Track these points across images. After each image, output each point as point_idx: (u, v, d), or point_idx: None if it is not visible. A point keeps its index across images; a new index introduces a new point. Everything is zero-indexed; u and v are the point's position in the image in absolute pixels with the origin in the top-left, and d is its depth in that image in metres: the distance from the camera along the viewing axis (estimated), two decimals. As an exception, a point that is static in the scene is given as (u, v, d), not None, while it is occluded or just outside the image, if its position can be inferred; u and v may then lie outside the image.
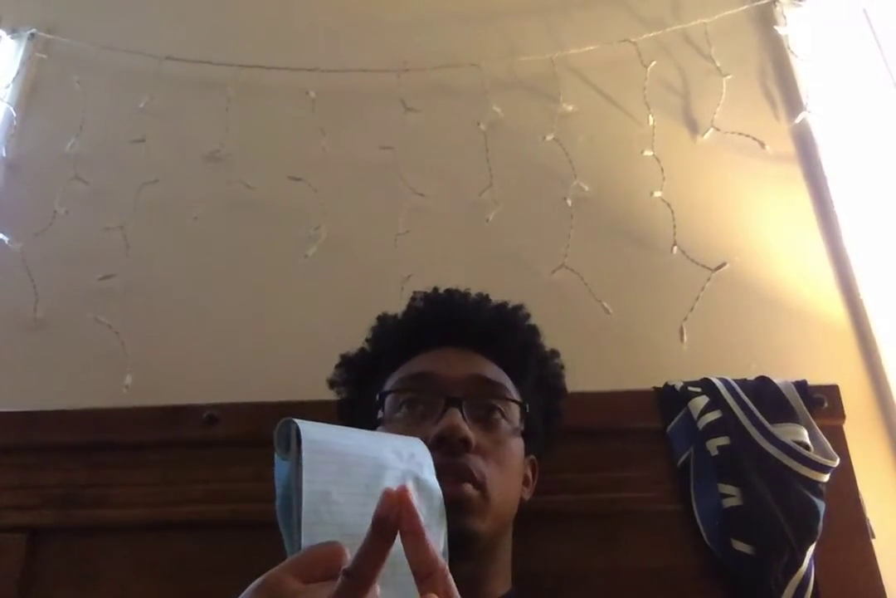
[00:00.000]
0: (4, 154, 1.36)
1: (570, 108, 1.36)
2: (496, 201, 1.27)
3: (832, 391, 1.00)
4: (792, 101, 1.36)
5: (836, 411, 0.99)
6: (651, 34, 1.39)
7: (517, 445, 0.78)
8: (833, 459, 0.92)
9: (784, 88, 1.38)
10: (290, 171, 1.28)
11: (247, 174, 1.31)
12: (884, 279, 1.18)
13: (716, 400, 0.98)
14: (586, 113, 1.37)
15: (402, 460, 0.50)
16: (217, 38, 1.47)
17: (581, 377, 0.93)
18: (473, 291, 0.90)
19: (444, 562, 0.40)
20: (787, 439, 0.92)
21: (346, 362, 0.89)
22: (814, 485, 0.90)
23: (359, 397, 0.86)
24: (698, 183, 1.29)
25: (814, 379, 1.00)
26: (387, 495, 0.40)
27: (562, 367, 0.90)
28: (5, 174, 1.36)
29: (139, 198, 1.28)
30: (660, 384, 1.03)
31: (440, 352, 0.82)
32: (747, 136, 1.32)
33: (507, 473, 0.75)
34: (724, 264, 1.19)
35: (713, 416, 0.96)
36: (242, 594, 0.42)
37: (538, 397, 0.84)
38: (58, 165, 1.33)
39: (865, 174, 1.27)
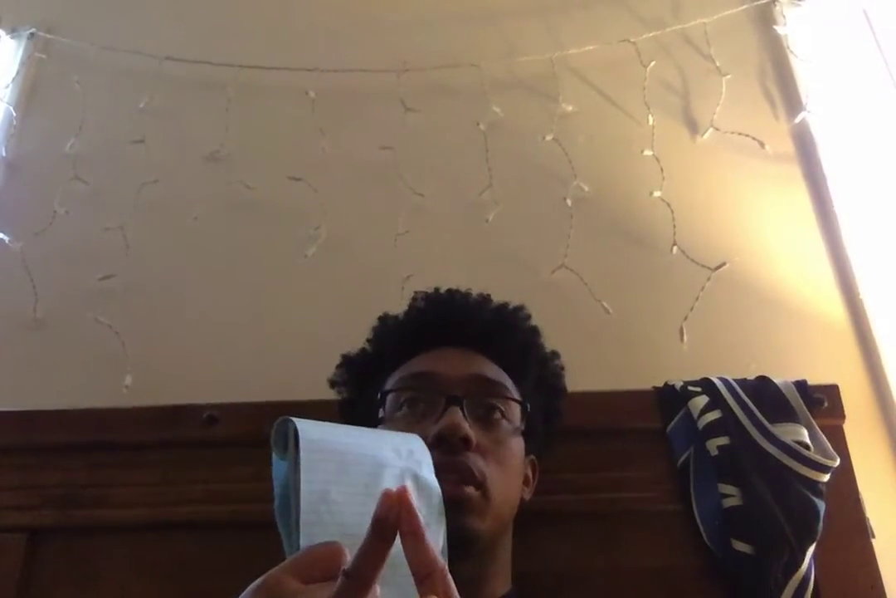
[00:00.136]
0: (4, 154, 1.36)
1: (569, 108, 1.36)
2: (496, 201, 1.27)
3: (832, 391, 1.00)
4: (791, 101, 1.36)
5: (836, 411, 0.99)
6: (651, 34, 1.39)
7: (517, 444, 0.78)
8: (833, 459, 0.92)
9: (784, 88, 1.38)
10: (290, 171, 1.28)
11: (247, 174, 1.31)
12: (884, 279, 1.18)
13: (716, 400, 0.98)
14: (586, 113, 1.37)
15: (402, 458, 0.50)
16: (217, 38, 1.47)
17: (581, 377, 0.93)
18: (474, 292, 0.90)
19: (443, 563, 0.40)
20: (787, 439, 0.92)
21: (347, 362, 0.90)
22: (814, 485, 0.90)
23: (360, 396, 0.86)
24: (698, 183, 1.29)
25: (814, 379, 1.00)
26: (386, 495, 0.40)
27: (562, 368, 0.91)
28: (5, 174, 1.36)
29: (139, 198, 1.28)
30: (660, 384, 1.03)
31: (441, 352, 0.82)
32: (747, 136, 1.32)
33: (507, 472, 0.75)
34: (724, 264, 1.19)
35: (713, 416, 0.96)
36: (242, 595, 0.42)
37: (538, 398, 0.85)
38: (58, 165, 1.33)
39: (865, 174, 1.27)
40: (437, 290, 0.90)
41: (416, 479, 0.50)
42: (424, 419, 0.75)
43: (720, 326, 1.17)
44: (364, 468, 0.47)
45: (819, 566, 0.88)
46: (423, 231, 1.25)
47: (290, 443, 0.46)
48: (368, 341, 0.90)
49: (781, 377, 1.00)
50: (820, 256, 1.23)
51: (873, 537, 0.93)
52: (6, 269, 1.24)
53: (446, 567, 0.40)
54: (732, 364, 1.08)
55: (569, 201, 1.27)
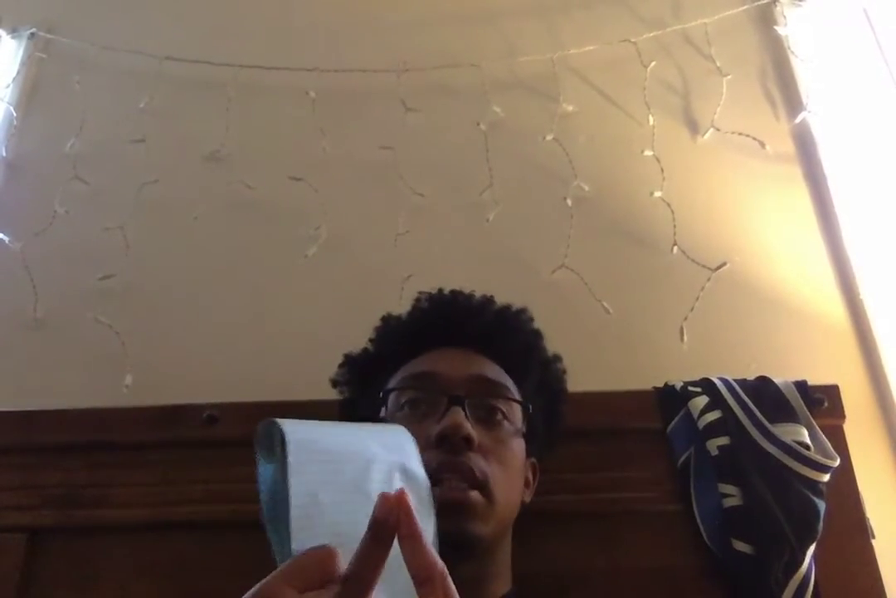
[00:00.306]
0: (4, 154, 1.36)
1: (570, 108, 1.36)
2: (496, 201, 1.27)
3: (832, 391, 1.00)
4: (792, 101, 1.36)
5: (836, 411, 0.99)
6: (651, 34, 1.39)
7: (518, 445, 0.78)
8: (833, 459, 0.92)
9: (784, 88, 1.38)
10: (290, 171, 1.28)
11: (247, 174, 1.31)
12: (884, 279, 1.18)
13: (716, 400, 0.98)
14: (586, 113, 1.37)
15: (389, 452, 0.49)
16: (217, 38, 1.47)
17: (581, 377, 0.93)
18: (477, 293, 0.90)
19: (442, 565, 0.40)
20: (788, 439, 0.92)
21: (350, 362, 0.90)
22: (814, 485, 0.90)
23: (361, 396, 0.86)
24: (698, 183, 1.29)
25: (814, 379, 1.00)
26: (385, 498, 0.40)
27: (564, 371, 0.91)
28: (5, 174, 1.36)
29: (139, 198, 1.28)
30: (660, 384, 1.03)
31: (443, 352, 0.82)
32: (747, 136, 1.32)
33: (508, 472, 0.75)
34: (724, 264, 1.19)
35: (713, 416, 0.96)
36: None
37: (540, 400, 0.85)
38: (58, 165, 1.33)
39: (865, 174, 1.27)
40: (440, 291, 0.90)
41: (405, 472, 0.49)
42: (426, 419, 0.75)
43: (720, 326, 1.17)
44: (353, 466, 0.46)
45: (819, 566, 0.88)
46: (423, 231, 1.25)
47: (277, 445, 0.44)
48: (371, 340, 0.90)
49: (781, 377, 1.00)
50: (820, 256, 1.23)
51: (873, 537, 0.93)
52: (6, 269, 1.24)
53: (446, 570, 0.40)
54: (732, 364, 1.08)
55: (569, 201, 1.27)
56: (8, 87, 1.41)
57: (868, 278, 1.19)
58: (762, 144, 1.32)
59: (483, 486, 0.71)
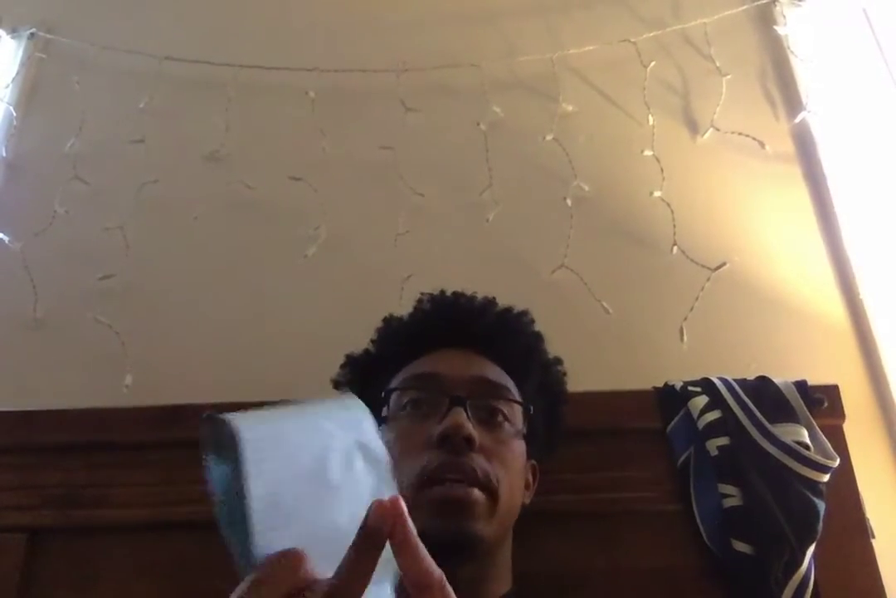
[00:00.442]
0: (4, 154, 1.36)
1: (569, 108, 1.36)
2: (496, 201, 1.27)
3: (832, 391, 1.00)
4: (792, 101, 1.36)
5: (836, 411, 0.99)
6: (651, 34, 1.39)
7: (519, 446, 0.78)
8: (833, 459, 0.92)
9: (784, 88, 1.38)
10: (290, 171, 1.28)
11: (247, 174, 1.31)
12: (884, 279, 1.18)
13: (716, 400, 0.98)
14: (586, 113, 1.37)
15: (347, 430, 0.46)
16: (217, 38, 1.47)
17: (581, 377, 0.93)
18: (479, 295, 0.90)
19: (440, 572, 0.39)
20: (787, 439, 0.92)
21: (352, 362, 0.90)
22: (814, 485, 0.90)
23: (363, 396, 0.86)
24: (698, 183, 1.29)
25: (814, 379, 1.00)
26: (379, 505, 0.38)
27: (564, 374, 0.91)
28: (5, 174, 1.36)
29: (139, 198, 1.28)
30: (660, 384, 1.03)
31: (445, 353, 0.83)
32: (747, 136, 1.32)
33: (510, 473, 0.75)
34: (724, 264, 1.19)
35: (713, 416, 0.96)
36: None
37: (540, 402, 0.85)
38: (58, 165, 1.33)
39: (865, 174, 1.27)
40: (442, 292, 0.91)
41: (365, 450, 0.46)
42: (428, 419, 0.75)
43: (720, 326, 1.17)
44: (310, 455, 0.43)
45: (819, 566, 0.88)
46: (423, 231, 1.25)
47: (228, 446, 0.41)
48: (373, 341, 0.90)
49: (781, 377, 1.00)
50: (820, 256, 1.23)
51: (873, 537, 0.93)
52: (6, 269, 1.24)
53: (444, 576, 0.39)
54: (732, 364, 1.08)
55: (569, 201, 1.27)
56: (8, 87, 1.41)
57: (868, 278, 1.19)
58: (762, 144, 1.32)
59: (485, 485, 0.71)
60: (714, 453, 0.94)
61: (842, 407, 1.00)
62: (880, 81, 1.35)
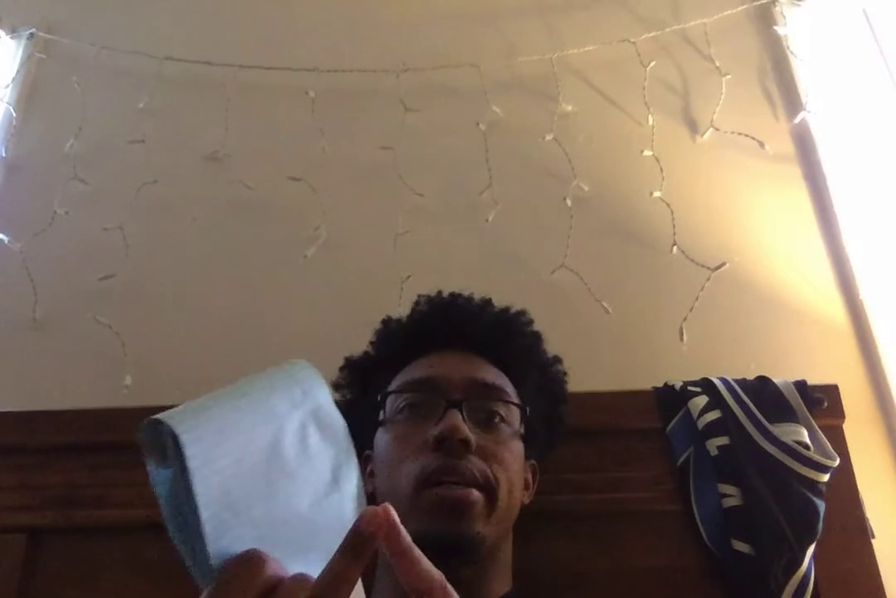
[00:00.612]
0: (4, 154, 1.36)
1: (569, 108, 1.36)
2: (496, 201, 1.27)
3: (832, 391, 1.00)
4: (791, 101, 1.36)
5: (836, 411, 0.99)
6: (651, 34, 1.39)
7: (517, 447, 0.78)
8: (833, 459, 0.92)
9: (783, 88, 1.38)
10: (289, 171, 1.28)
11: (247, 174, 1.31)
12: (884, 279, 1.18)
13: (715, 400, 0.98)
14: (586, 113, 1.37)
15: (297, 405, 0.44)
16: (217, 38, 1.47)
17: (581, 377, 0.93)
18: (477, 295, 0.90)
19: (440, 574, 0.38)
20: (787, 439, 0.92)
21: (350, 365, 0.90)
22: (814, 485, 0.90)
23: (362, 398, 0.86)
24: (698, 183, 1.29)
25: (813, 379, 1.00)
26: (371, 514, 0.37)
27: (564, 373, 0.91)
28: (5, 174, 1.36)
29: (139, 198, 1.28)
30: (659, 384, 1.03)
31: (442, 355, 0.83)
32: (747, 136, 1.32)
33: (508, 474, 0.75)
34: (723, 264, 1.19)
35: (713, 416, 0.96)
36: None
37: (539, 403, 0.85)
38: (58, 165, 1.33)
39: (865, 174, 1.27)
40: (439, 293, 0.90)
41: (318, 421, 0.44)
42: (425, 422, 0.75)
43: (720, 326, 1.17)
44: (260, 442, 0.40)
45: (819, 566, 0.88)
46: (423, 231, 1.25)
47: (170, 448, 0.38)
48: (371, 343, 0.90)
49: (781, 377, 1.00)
50: (820, 256, 1.23)
51: (873, 537, 0.93)
52: (6, 269, 1.24)
53: (444, 578, 0.38)
54: (732, 364, 1.08)
55: (569, 201, 1.26)
56: (8, 87, 1.40)
57: (868, 278, 1.19)
58: (762, 144, 1.32)
59: (483, 486, 0.71)
60: (714, 453, 0.94)
61: (841, 407, 1.00)
62: (880, 81, 1.35)
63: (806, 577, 0.86)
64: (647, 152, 1.30)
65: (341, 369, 0.90)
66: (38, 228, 1.26)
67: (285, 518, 0.39)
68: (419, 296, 0.91)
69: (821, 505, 0.89)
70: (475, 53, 1.39)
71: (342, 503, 0.44)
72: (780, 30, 1.40)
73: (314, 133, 1.32)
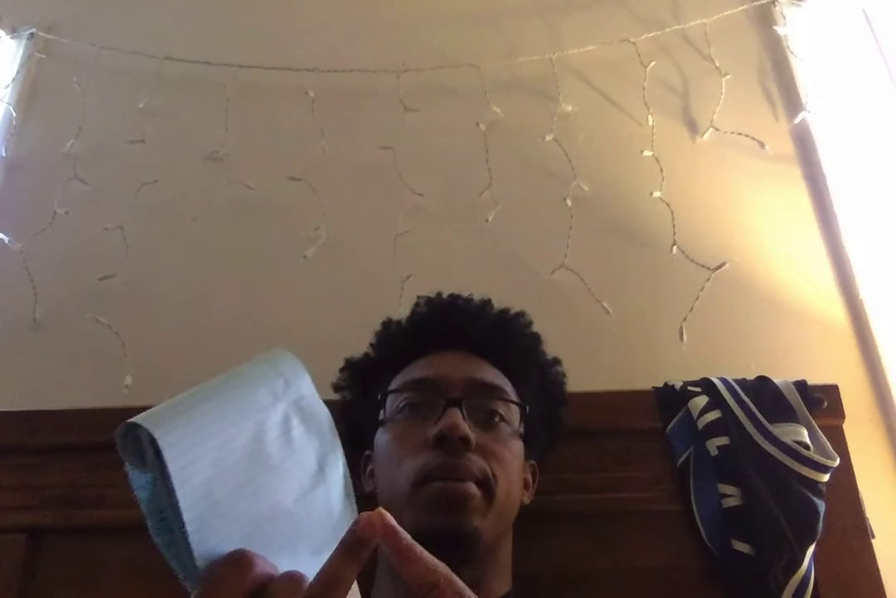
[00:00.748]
0: (4, 154, 1.36)
1: (569, 108, 1.36)
2: (496, 201, 1.27)
3: (832, 391, 1.00)
4: (791, 101, 1.36)
5: (836, 411, 0.99)
6: (651, 34, 1.39)
7: (517, 446, 0.79)
8: (833, 459, 0.92)
9: (783, 88, 1.38)
10: (289, 171, 1.28)
11: (246, 174, 1.31)
12: (884, 279, 1.18)
13: (716, 400, 0.98)
14: (586, 113, 1.37)
15: (279, 396, 0.44)
16: (217, 38, 1.47)
17: (581, 377, 0.93)
18: (477, 296, 0.90)
19: (444, 566, 0.38)
20: (787, 439, 0.92)
21: (351, 366, 0.90)
22: (814, 485, 0.90)
23: (363, 399, 0.87)
24: (698, 183, 1.29)
25: (813, 379, 1.00)
26: (367, 518, 0.37)
27: (563, 374, 0.91)
28: (5, 174, 1.36)
29: (139, 198, 1.28)
30: (659, 384, 1.03)
31: (441, 356, 0.83)
32: (747, 136, 1.32)
33: (507, 472, 0.75)
34: (723, 264, 1.19)
35: (713, 416, 0.96)
36: None
37: (539, 403, 0.85)
38: (58, 165, 1.33)
39: (865, 174, 1.27)
40: (439, 294, 0.91)
41: (301, 411, 0.44)
42: (425, 421, 0.75)
43: (720, 326, 1.17)
44: (242, 438, 0.40)
45: (819, 566, 0.88)
46: (423, 231, 1.25)
47: (149, 452, 0.37)
48: (371, 345, 0.91)
49: (781, 377, 1.00)
50: (820, 256, 1.23)
51: (873, 537, 0.93)
52: (6, 269, 1.24)
53: (448, 569, 0.38)
54: (732, 364, 1.08)
55: (569, 201, 1.26)
56: (8, 87, 1.40)
57: (868, 278, 1.19)
58: (761, 144, 1.32)
59: (481, 481, 0.72)
60: (714, 453, 0.94)
61: (841, 407, 1.00)
62: (880, 81, 1.35)
63: (806, 577, 0.86)
64: (647, 152, 1.30)
65: (342, 370, 0.90)
66: (38, 228, 1.26)
67: (271, 514, 0.39)
68: (419, 297, 0.92)
69: (821, 505, 0.89)
70: (475, 53, 1.39)
71: (329, 494, 0.44)
72: (780, 30, 1.40)
73: (314, 133, 1.32)
